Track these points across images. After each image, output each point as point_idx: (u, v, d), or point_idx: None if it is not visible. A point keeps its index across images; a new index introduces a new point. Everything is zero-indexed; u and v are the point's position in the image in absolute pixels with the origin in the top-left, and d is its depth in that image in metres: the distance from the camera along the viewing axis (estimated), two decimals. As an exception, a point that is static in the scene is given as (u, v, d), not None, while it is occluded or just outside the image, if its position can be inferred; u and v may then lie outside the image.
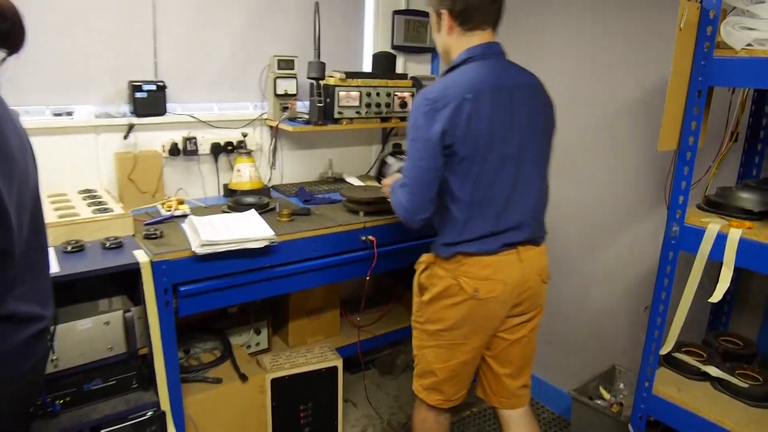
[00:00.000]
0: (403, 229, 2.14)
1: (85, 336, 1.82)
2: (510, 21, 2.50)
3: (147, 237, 1.92)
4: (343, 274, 2.19)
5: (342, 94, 2.51)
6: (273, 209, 2.28)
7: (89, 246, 1.87)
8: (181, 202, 2.24)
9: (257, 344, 2.59)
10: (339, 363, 2.47)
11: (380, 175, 2.34)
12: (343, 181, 2.80)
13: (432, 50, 3.06)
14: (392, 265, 2.29)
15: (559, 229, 2.73)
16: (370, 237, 2.16)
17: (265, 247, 1.93)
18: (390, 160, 2.40)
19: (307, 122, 2.46)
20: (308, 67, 2.33)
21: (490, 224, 1.61)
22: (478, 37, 1.61)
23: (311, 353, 2.52)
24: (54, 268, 1.72)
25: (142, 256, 1.81)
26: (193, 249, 1.84)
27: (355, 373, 3.09)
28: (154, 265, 1.80)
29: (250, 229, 1.93)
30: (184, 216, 2.12)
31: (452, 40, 1.63)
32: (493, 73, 1.58)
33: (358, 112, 2.56)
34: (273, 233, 1.94)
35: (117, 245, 1.87)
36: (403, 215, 1.62)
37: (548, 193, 1.75)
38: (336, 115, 2.50)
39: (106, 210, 1.98)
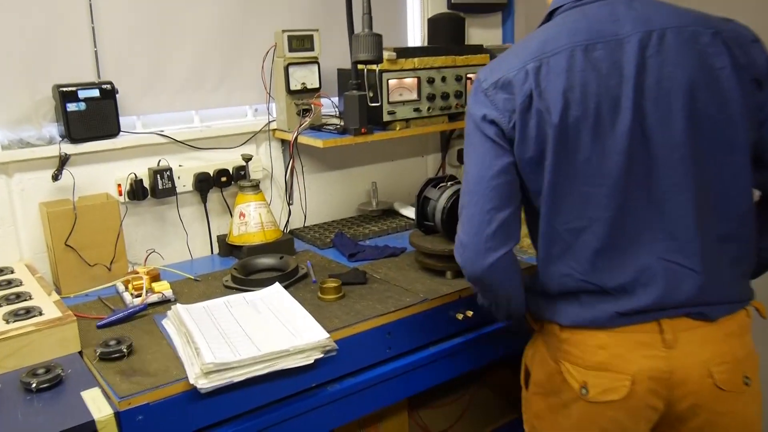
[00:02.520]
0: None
1: None
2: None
3: (105, 358, 1.50)
4: (433, 377, 1.82)
5: (392, 83, 2.18)
6: (305, 276, 1.95)
7: (1, 388, 1.40)
8: (155, 277, 1.86)
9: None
10: None
11: (423, 219, 1.99)
12: (394, 213, 2.54)
13: (502, 6, 2.85)
14: (505, 351, 1.97)
15: None
16: (469, 312, 1.83)
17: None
18: (432, 193, 1.98)
19: (343, 131, 2.15)
20: (354, 44, 1.94)
21: (583, 272, 1.36)
22: None
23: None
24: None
25: (98, 405, 1.33)
26: (191, 381, 1.40)
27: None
28: (123, 419, 1.34)
29: (286, 331, 1.56)
30: (165, 302, 1.79)
31: None
32: (590, 22, 1.32)
33: (416, 110, 2.26)
34: (326, 335, 1.53)
35: (52, 383, 1.39)
36: (458, 259, 1.43)
37: (748, 221, 1.37)
38: (386, 117, 2.20)
39: (28, 312, 1.56)
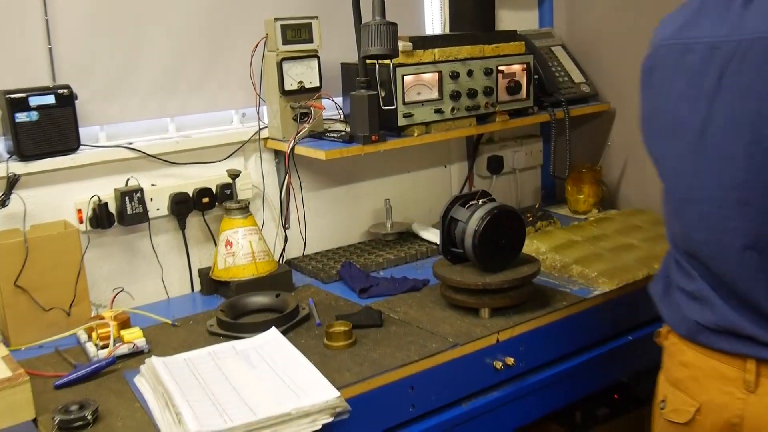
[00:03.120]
0: (578, 330, 2.00)
1: None
2: None
3: (65, 427, 1.50)
4: (467, 442, 1.83)
5: (409, 79, 2.22)
6: (306, 318, 1.98)
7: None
8: (124, 323, 1.89)
9: None
10: None
11: (449, 245, 2.03)
12: (413, 237, 2.57)
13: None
14: (554, 405, 2.02)
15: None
16: (509, 359, 1.86)
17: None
18: (460, 213, 2.01)
19: (349, 139, 2.18)
20: (363, 35, 1.95)
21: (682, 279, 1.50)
22: None
23: None
24: None
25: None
26: (171, 457, 1.41)
27: None
28: (87, 507, 1.36)
29: (286, 388, 1.58)
30: (137, 354, 1.81)
31: None
32: (704, 13, 1.37)
33: (438, 111, 2.29)
34: (336, 393, 1.54)
35: (0, 461, 1.41)
36: None
37: None
38: (401, 121, 2.24)
39: (-30, 370, 1.57)
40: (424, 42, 2.22)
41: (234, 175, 2.19)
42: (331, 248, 2.49)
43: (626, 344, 2.08)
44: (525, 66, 2.40)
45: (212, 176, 2.23)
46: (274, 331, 1.80)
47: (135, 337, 1.79)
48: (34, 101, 1.91)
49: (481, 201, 1.99)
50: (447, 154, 2.75)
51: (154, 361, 1.64)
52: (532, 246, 2.20)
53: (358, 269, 2.21)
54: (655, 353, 2.11)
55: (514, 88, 2.38)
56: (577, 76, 2.66)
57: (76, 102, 1.98)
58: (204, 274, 2.19)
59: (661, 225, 2.39)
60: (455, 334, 1.81)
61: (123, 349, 1.76)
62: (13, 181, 1.91)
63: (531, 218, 2.51)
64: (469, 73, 2.28)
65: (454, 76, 2.25)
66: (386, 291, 2.08)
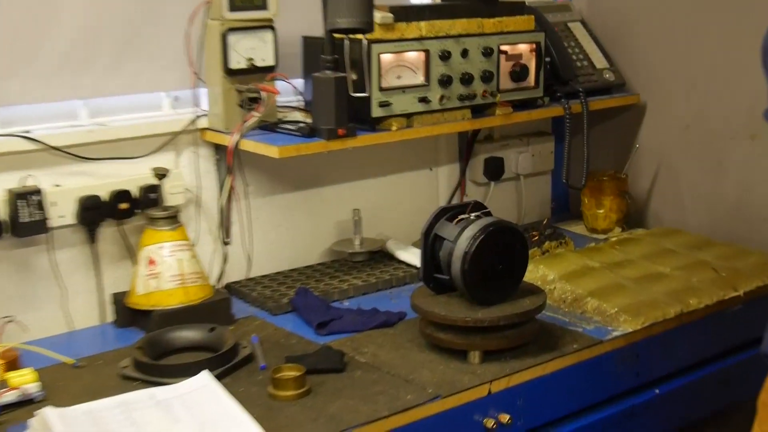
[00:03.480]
0: (591, 380, 2.04)
1: None
2: None
3: None
4: None
5: (387, 59, 2.26)
6: (248, 359, 1.99)
7: None
8: (12, 362, 1.88)
9: None
10: None
11: (432, 270, 2.07)
12: (387, 258, 2.61)
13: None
14: None
15: None
16: (504, 416, 1.88)
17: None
18: (447, 230, 2.04)
19: (310, 133, 2.20)
20: (330, 3, 2.02)
21: None
22: None
23: None
24: None
25: None
26: None
27: None
28: None
29: None
30: (26, 403, 1.80)
31: None
32: None
33: (423, 100, 2.32)
34: None
35: None
36: None
37: None
38: (375, 111, 2.27)
39: None
40: (407, 13, 2.25)
41: (161, 174, 2.19)
42: (283, 270, 2.51)
43: (652, 399, 2.10)
44: (534, 46, 2.44)
45: (133, 176, 2.23)
46: (205, 376, 1.80)
47: (25, 381, 1.78)
48: None
49: (473, 215, 2.00)
50: (433, 154, 2.78)
51: (48, 413, 1.63)
52: (537, 273, 2.21)
53: (317, 298, 2.23)
54: (688, 410, 2.11)
55: (519, 73, 2.41)
56: (599, 61, 2.69)
57: (-41, 78, 1.95)
58: (119, 300, 2.20)
59: (700, 249, 2.45)
60: (437, 383, 1.82)
61: (9, 396, 1.74)
62: None
63: (537, 237, 2.53)
64: (464, 53, 2.31)
65: (445, 56, 2.28)
66: (351, 326, 2.10)
